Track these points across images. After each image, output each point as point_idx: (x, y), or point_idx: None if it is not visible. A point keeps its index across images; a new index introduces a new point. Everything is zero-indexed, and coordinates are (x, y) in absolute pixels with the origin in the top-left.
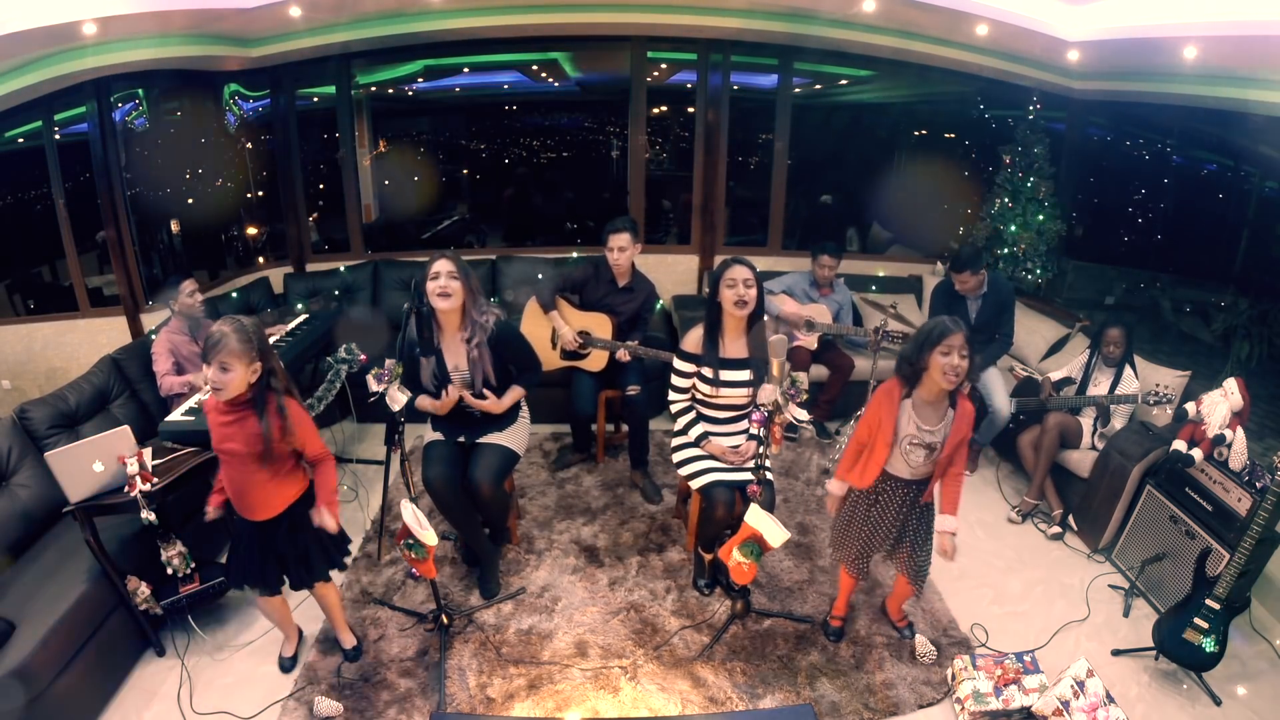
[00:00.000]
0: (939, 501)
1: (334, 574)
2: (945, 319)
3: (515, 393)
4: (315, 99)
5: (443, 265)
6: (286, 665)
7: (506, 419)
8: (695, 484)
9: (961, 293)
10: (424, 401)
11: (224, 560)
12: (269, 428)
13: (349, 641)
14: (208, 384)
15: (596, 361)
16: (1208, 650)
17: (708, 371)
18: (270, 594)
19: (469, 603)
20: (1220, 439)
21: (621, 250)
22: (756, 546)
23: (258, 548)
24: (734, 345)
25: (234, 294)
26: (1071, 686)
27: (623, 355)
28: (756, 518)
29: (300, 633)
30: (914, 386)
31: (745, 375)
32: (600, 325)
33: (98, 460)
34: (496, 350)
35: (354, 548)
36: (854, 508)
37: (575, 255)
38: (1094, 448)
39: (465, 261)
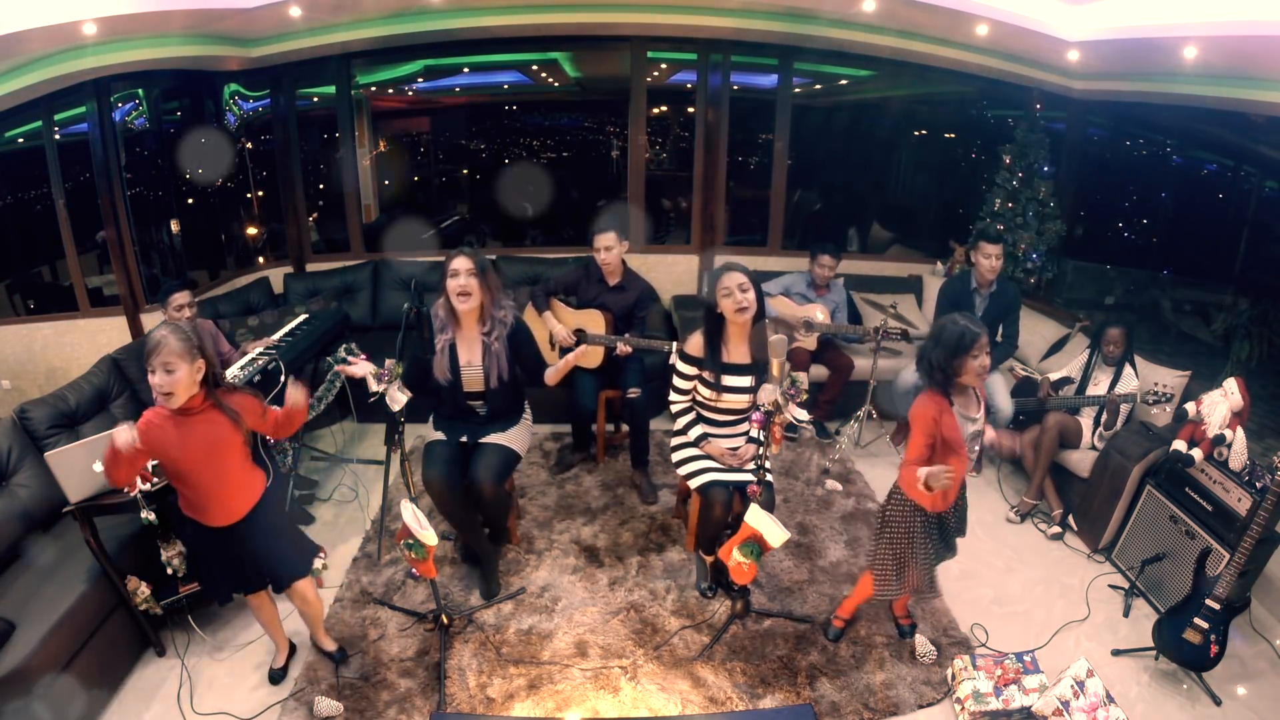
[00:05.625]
0: None
1: (327, 577)
2: (963, 321)
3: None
4: (315, 99)
5: (461, 263)
6: (276, 677)
7: (510, 419)
8: (694, 483)
9: (989, 272)
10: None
11: (196, 583)
12: (237, 412)
13: (329, 645)
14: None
15: (593, 358)
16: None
17: (709, 376)
18: (255, 591)
19: (469, 603)
20: (1220, 439)
21: (608, 249)
22: (756, 546)
23: (233, 551)
24: (737, 350)
25: (234, 294)
26: (1071, 686)
27: (623, 349)
28: (756, 518)
29: (292, 645)
30: (950, 391)
31: (747, 381)
32: (595, 323)
33: (98, 460)
34: (512, 345)
35: (354, 548)
36: (923, 532)
37: (574, 256)
38: (1094, 448)
39: (483, 257)
